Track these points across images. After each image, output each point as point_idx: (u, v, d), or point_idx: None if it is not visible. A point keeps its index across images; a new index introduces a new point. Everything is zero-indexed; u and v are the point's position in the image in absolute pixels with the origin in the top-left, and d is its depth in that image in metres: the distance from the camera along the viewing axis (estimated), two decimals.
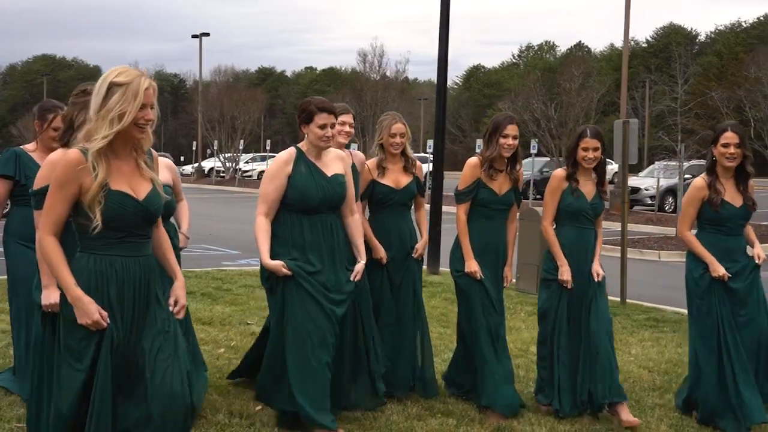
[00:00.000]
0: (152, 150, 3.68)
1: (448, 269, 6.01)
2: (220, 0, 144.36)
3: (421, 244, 5.90)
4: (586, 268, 5.55)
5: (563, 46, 79.87)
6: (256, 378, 5.39)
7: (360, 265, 5.05)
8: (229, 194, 36.23)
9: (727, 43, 61.22)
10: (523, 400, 5.65)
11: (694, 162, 26.53)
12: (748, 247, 5.52)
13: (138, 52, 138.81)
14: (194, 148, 47.86)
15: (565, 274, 5.48)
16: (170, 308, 3.61)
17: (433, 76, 13.78)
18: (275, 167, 4.95)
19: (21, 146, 5.47)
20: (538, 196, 26.67)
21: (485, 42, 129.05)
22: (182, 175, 33.62)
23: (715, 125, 6.17)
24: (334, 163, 5.03)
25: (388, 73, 52.36)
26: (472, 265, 5.51)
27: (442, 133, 13.39)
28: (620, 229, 10.38)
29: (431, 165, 14.05)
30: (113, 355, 3.38)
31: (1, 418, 5.01)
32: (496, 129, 5.50)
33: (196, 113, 44.27)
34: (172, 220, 5.20)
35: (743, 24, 64.71)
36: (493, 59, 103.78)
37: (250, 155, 49.76)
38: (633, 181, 20.07)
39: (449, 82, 41.91)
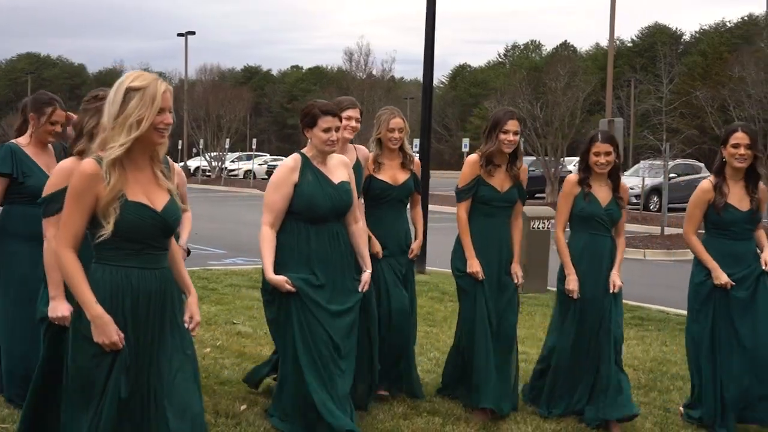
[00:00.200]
0: (168, 158, 3.60)
1: (435, 268, 5.98)
2: None
3: (417, 244, 5.80)
4: (601, 276, 5.37)
5: (549, 45, 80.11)
6: (242, 379, 5.35)
7: (366, 275, 4.90)
8: (215, 193, 36.15)
9: (711, 42, 61.44)
10: (515, 403, 5.56)
11: (679, 161, 26.68)
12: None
13: (123, 50, 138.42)
14: (180, 147, 47.67)
15: (572, 283, 5.33)
16: (185, 324, 3.50)
17: (420, 75, 13.79)
18: (281, 175, 4.78)
19: (13, 140, 5.30)
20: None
21: (471, 41, 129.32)
22: None
23: (726, 126, 6.15)
24: (339, 169, 4.87)
25: (374, 72, 52.17)
26: (474, 265, 5.39)
27: (428, 132, 13.40)
28: None
29: None
30: (125, 376, 3.27)
31: None
32: (496, 124, 5.37)
33: (182, 112, 44.07)
34: None
35: (727, 24, 64.98)
36: (479, 58, 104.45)
37: (236, 154, 49.62)
38: None
39: (435, 81, 41.98)
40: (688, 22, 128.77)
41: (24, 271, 5.07)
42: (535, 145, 29.89)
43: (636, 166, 29.22)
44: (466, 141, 28.80)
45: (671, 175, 22.02)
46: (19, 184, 5.12)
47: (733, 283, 5.23)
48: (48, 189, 4.00)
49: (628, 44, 66.78)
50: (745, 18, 63.67)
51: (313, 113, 4.77)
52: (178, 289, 3.52)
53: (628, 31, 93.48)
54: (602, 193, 5.41)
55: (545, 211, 11.36)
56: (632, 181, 26.24)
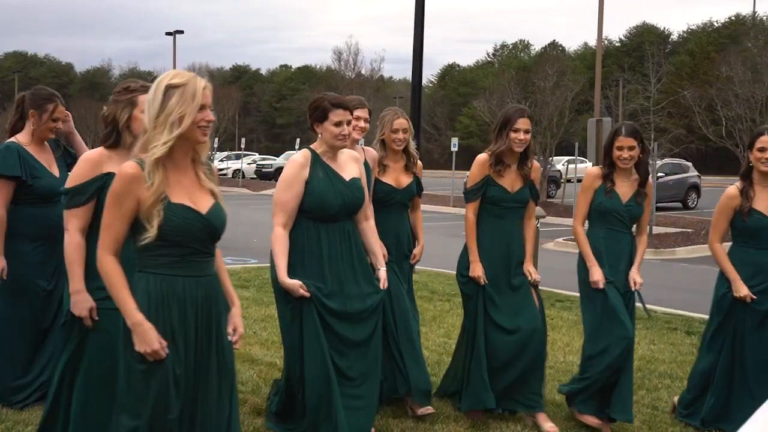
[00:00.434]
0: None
1: (424, 267, 5.92)
2: None
3: (419, 249, 5.65)
4: (619, 275, 5.16)
5: (537, 45, 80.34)
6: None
7: (383, 272, 4.68)
8: None
9: (699, 42, 61.73)
10: (540, 402, 5.34)
11: (667, 160, 26.78)
12: None
13: (111, 49, 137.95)
14: None
15: (596, 274, 5.09)
16: (229, 337, 3.35)
17: (409, 75, 13.81)
18: (291, 172, 4.52)
19: (13, 139, 5.13)
20: None
21: (460, 40, 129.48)
22: None
23: (756, 127, 5.98)
24: (350, 165, 4.66)
25: (363, 71, 52.38)
26: (476, 269, 5.21)
27: (417, 132, 13.40)
28: None
29: None
30: (174, 390, 3.11)
31: None
32: (506, 123, 5.21)
33: None
34: None
35: (715, 23, 65.30)
36: (467, 58, 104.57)
37: (225, 153, 49.56)
38: None
39: (424, 81, 41.97)
40: (675, 22, 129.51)
41: (25, 272, 5.02)
42: None
43: None
44: (455, 140, 28.79)
45: (659, 174, 22.08)
46: (26, 185, 5.01)
47: (754, 297, 5.06)
48: (73, 180, 3.84)
49: (617, 44, 67.03)
50: (733, 18, 64.04)
51: (324, 106, 4.54)
52: (224, 298, 3.37)
53: (616, 31, 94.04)
54: (624, 188, 5.20)
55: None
56: None
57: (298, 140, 42.24)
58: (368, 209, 4.78)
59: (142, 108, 3.82)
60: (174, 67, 50.78)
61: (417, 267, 6.57)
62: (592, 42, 58.53)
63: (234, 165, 45.72)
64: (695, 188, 27.90)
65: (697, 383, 5.40)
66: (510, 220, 5.32)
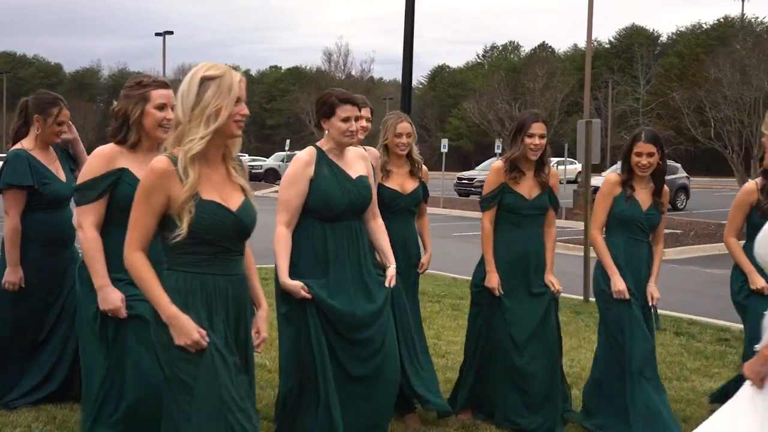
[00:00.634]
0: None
1: None
2: None
3: (426, 258, 5.50)
4: (640, 287, 5.05)
5: (527, 46, 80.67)
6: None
7: (392, 269, 4.49)
8: None
9: (687, 44, 61.90)
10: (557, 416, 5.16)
11: None
12: None
13: (100, 50, 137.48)
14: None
15: (620, 283, 4.94)
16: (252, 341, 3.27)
17: (399, 76, 13.82)
18: (295, 170, 4.37)
19: (19, 145, 5.04)
20: None
21: (450, 42, 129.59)
22: None
23: (744, 129, 5.90)
24: (357, 163, 4.51)
25: (353, 73, 52.42)
26: (492, 280, 5.08)
27: None
28: (584, 227, 10.51)
29: None
30: (226, 372, 3.02)
31: None
32: (520, 128, 5.08)
33: None
34: None
35: (703, 25, 65.55)
36: (457, 59, 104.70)
37: None
38: (596, 180, 20.30)
39: (414, 82, 42.01)
40: (664, 24, 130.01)
41: (30, 279, 5.00)
42: None
43: (613, 167, 29.40)
44: (445, 141, 28.81)
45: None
46: (36, 191, 4.97)
47: None
48: (84, 175, 3.76)
49: (606, 46, 67.20)
50: (721, 20, 64.32)
51: (331, 102, 4.39)
52: (251, 300, 3.28)
53: (605, 33, 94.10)
54: (643, 195, 5.08)
55: None
56: None
57: (288, 141, 42.22)
58: (376, 208, 4.63)
59: (155, 103, 3.81)
60: (163, 68, 50.74)
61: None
62: (582, 43, 58.75)
63: None
64: (684, 189, 28.00)
65: None
66: (529, 228, 5.19)
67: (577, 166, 30.63)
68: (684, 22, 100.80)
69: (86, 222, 3.69)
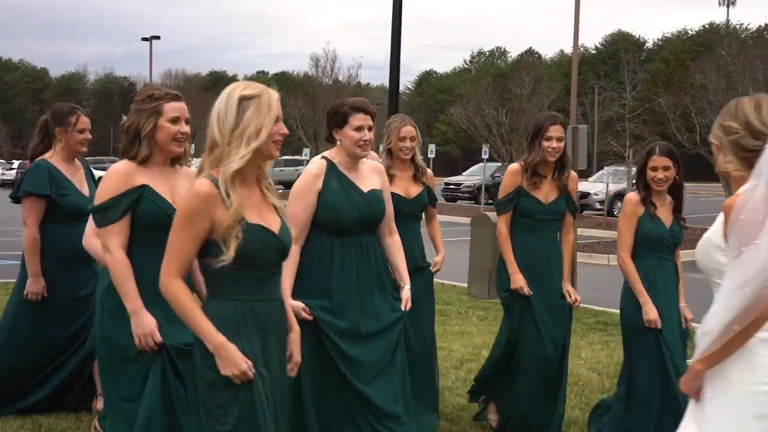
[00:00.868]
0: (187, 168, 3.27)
1: None
2: (170, 1, 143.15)
3: (440, 258, 5.41)
4: (675, 309, 4.82)
5: (514, 52, 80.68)
6: None
7: (406, 291, 4.31)
8: None
9: (673, 50, 62.36)
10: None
11: None
12: None
13: (87, 54, 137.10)
14: None
15: (651, 312, 4.70)
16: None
17: (386, 81, 13.81)
18: (303, 183, 4.19)
19: (42, 157, 5.03)
20: (490, 201, 26.86)
21: (437, 47, 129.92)
22: None
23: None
24: (370, 176, 4.32)
25: (340, 78, 52.33)
26: (518, 280, 4.96)
27: None
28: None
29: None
30: (270, 413, 2.93)
31: None
32: (538, 131, 4.97)
33: None
34: None
35: (689, 32, 66.01)
36: (445, 64, 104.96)
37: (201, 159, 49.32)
38: (582, 186, 20.40)
39: (402, 87, 42.02)
40: (650, 30, 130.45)
41: (49, 293, 4.99)
42: (501, 151, 30.10)
43: (600, 172, 29.53)
44: (432, 147, 28.86)
45: (634, 180, 22.23)
46: (54, 203, 4.95)
47: None
48: (103, 195, 3.60)
49: (592, 51, 67.56)
50: (706, 26, 64.80)
51: (343, 111, 4.22)
52: (288, 322, 3.19)
53: (592, 39, 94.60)
54: (663, 212, 4.88)
55: None
56: (596, 187, 26.54)
57: None
58: (393, 223, 4.44)
59: (168, 117, 3.66)
60: (150, 73, 50.64)
61: None
62: (568, 49, 59.00)
63: None
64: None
65: None
66: (545, 233, 5.10)
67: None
68: (670, 29, 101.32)
69: (112, 243, 3.53)
